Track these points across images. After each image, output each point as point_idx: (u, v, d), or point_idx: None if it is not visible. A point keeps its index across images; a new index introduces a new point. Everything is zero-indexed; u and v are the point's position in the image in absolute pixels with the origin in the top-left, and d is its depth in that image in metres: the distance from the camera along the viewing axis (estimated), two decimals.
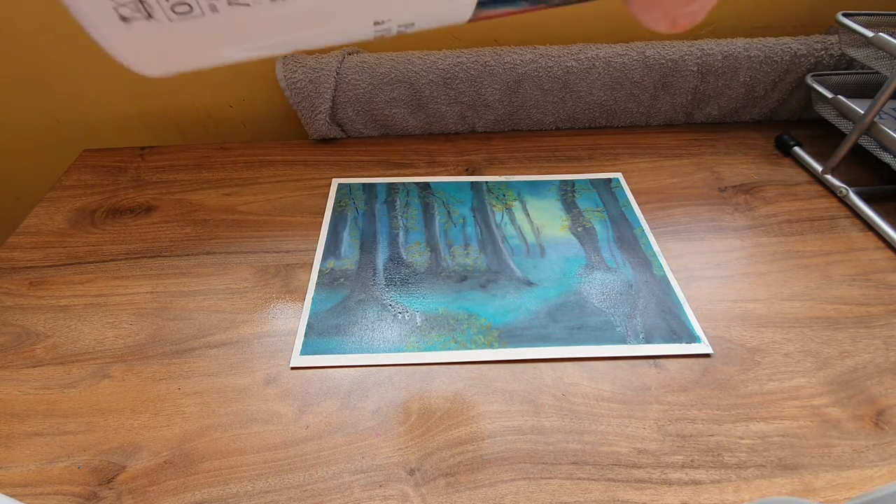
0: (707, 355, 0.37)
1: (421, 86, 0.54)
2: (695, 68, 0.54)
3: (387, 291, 0.41)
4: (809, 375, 0.35)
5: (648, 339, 0.37)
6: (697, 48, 0.53)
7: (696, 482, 0.30)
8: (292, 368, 0.36)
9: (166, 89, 0.59)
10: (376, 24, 0.14)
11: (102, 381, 0.36)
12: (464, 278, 0.42)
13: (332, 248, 0.45)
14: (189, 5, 0.12)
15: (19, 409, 0.34)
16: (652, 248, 0.45)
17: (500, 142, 0.58)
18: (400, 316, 0.40)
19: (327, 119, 0.55)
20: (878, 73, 0.46)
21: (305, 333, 0.38)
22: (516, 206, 0.49)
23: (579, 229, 0.47)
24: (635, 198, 0.50)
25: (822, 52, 0.54)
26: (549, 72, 0.53)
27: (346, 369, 0.36)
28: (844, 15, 0.48)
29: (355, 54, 0.54)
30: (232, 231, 0.47)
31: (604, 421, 0.33)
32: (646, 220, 0.47)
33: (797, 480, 0.30)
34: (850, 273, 0.42)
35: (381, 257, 0.44)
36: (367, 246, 0.45)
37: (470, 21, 0.15)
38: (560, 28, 0.57)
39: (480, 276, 0.43)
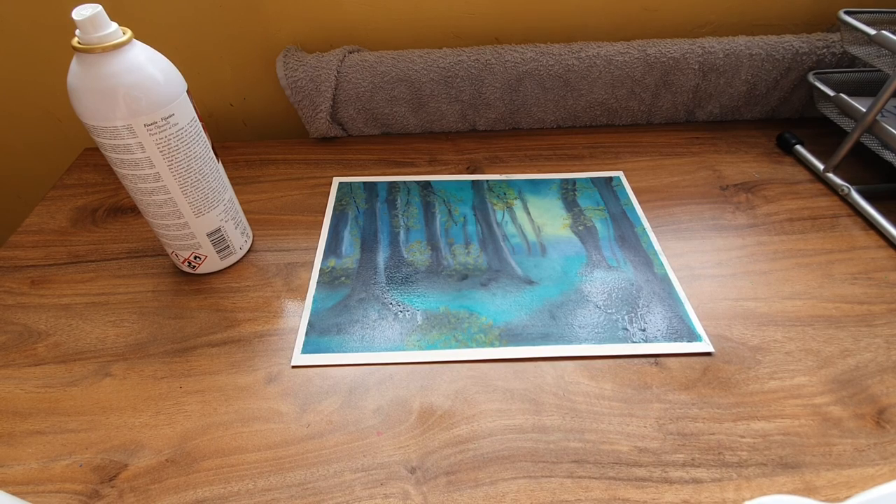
0: (708, 354, 0.37)
1: (421, 84, 0.54)
2: (696, 66, 0.54)
3: (388, 290, 0.41)
4: (811, 374, 0.35)
5: (649, 338, 0.37)
6: (699, 46, 0.53)
7: (696, 481, 0.30)
8: (293, 367, 0.36)
9: None
10: None
11: (104, 379, 0.36)
12: (465, 277, 0.42)
13: (332, 247, 0.45)
14: None
15: (21, 407, 0.34)
16: (653, 247, 0.44)
17: (501, 140, 0.58)
18: (401, 314, 0.40)
19: (328, 118, 0.55)
20: (880, 70, 0.46)
21: (306, 332, 0.38)
22: (517, 204, 0.49)
23: (580, 228, 0.47)
24: (636, 196, 0.50)
25: (824, 49, 0.53)
26: (549, 70, 0.53)
27: (347, 368, 0.36)
28: (846, 12, 0.47)
29: (356, 53, 0.54)
30: None
31: (605, 419, 0.33)
32: (647, 218, 0.47)
33: (798, 479, 0.30)
34: (851, 272, 0.42)
35: (381, 256, 0.44)
36: (367, 245, 0.45)
37: None
38: (561, 26, 0.57)
39: (481, 275, 0.43)
